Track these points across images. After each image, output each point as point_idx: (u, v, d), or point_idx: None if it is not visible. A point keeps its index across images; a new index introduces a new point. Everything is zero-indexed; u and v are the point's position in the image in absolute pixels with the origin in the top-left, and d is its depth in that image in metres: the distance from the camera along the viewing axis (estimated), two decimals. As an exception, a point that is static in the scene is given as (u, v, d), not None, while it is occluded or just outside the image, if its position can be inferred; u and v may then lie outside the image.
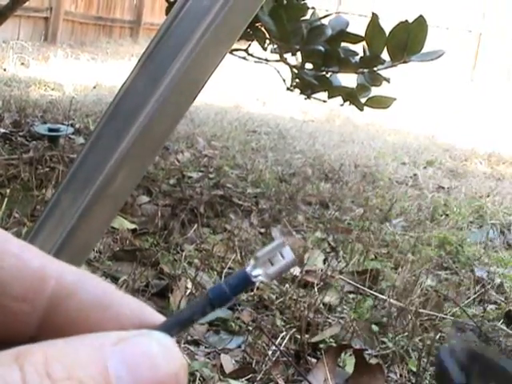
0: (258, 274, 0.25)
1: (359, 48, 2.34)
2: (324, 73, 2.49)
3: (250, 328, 1.59)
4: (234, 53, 2.61)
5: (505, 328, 1.82)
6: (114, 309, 0.25)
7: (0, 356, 0.21)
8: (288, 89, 2.67)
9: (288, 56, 2.54)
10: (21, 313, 0.25)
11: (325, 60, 2.38)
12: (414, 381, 1.51)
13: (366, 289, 1.94)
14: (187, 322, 0.25)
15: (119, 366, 0.22)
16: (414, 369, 1.53)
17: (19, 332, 0.25)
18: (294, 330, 1.60)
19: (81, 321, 0.25)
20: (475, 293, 2.05)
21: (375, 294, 1.91)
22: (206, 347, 1.50)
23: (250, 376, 1.40)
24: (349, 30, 2.37)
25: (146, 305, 0.26)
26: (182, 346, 1.46)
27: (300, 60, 2.50)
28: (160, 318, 0.26)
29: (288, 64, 2.56)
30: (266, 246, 0.25)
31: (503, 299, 2.07)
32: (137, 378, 0.22)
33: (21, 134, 3.10)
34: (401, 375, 1.52)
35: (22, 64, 6.14)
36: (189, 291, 1.70)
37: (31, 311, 0.25)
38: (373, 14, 2.18)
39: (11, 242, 0.26)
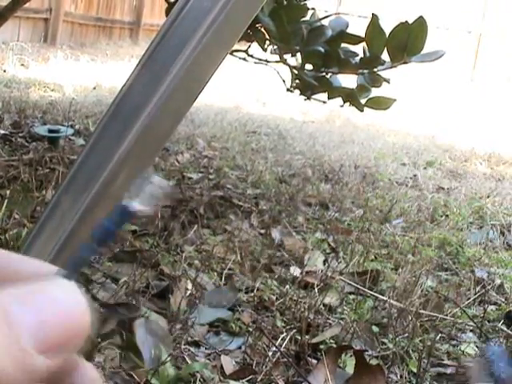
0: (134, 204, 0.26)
1: (359, 49, 2.34)
2: (324, 74, 2.49)
3: (251, 329, 1.59)
4: (234, 54, 2.61)
5: (505, 329, 1.82)
6: (11, 269, 0.25)
7: None
8: (288, 90, 2.67)
9: (288, 57, 2.54)
10: None
11: (325, 61, 2.38)
12: (414, 382, 1.50)
13: (366, 290, 1.94)
14: (81, 264, 0.25)
15: (22, 310, 0.22)
16: (415, 370, 1.53)
17: None
18: (294, 330, 1.60)
19: None
20: (475, 293, 2.05)
21: (375, 294, 1.91)
22: (206, 348, 1.50)
23: (250, 377, 1.39)
24: (349, 30, 2.37)
25: (43, 262, 0.26)
26: (183, 347, 1.46)
27: (300, 61, 2.50)
28: (55, 269, 0.26)
29: (288, 65, 2.56)
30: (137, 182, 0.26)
31: (503, 300, 2.07)
32: (41, 320, 0.22)
33: (21, 135, 3.10)
34: (401, 376, 1.52)
35: (22, 65, 6.14)
36: (189, 292, 1.70)
37: None
38: (373, 14, 2.18)
39: None
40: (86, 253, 0.26)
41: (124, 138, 0.76)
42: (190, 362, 1.40)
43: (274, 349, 1.50)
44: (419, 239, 2.55)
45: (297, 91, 2.65)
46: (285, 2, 2.36)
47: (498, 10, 11.88)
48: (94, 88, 5.40)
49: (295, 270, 2.00)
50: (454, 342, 1.73)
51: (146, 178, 0.26)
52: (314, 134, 5.04)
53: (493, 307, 2.01)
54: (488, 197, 3.56)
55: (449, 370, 1.57)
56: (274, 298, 1.79)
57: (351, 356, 1.52)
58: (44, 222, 0.77)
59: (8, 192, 2.09)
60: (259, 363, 1.45)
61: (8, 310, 0.21)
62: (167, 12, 2.41)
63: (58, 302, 0.22)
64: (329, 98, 2.57)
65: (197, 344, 1.52)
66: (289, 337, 1.56)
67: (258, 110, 5.94)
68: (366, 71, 2.36)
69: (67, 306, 0.23)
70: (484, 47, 12.08)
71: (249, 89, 6.98)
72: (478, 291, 2.07)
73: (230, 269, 1.93)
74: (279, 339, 1.55)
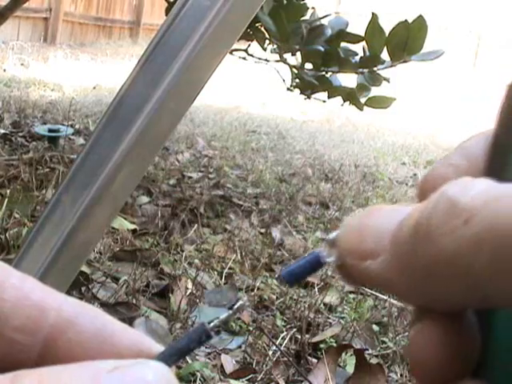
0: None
1: (359, 48, 2.33)
2: (324, 73, 2.49)
3: (251, 328, 1.59)
4: (234, 53, 2.61)
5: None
6: (113, 339, 0.26)
7: (2, 376, 0.22)
8: (288, 89, 2.67)
9: (288, 56, 2.54)
10: (21, 343, 0.25)
11: (324, 60, 2.38)
12: (414, 381, 1.50)
13: (366, 289, 1.94)
14: (184, 351, 0.26)
15: None
16: (415, 369, 1.53)
17: (20, 361, 0.25)
18: (294, 330, 1.60)
19: (80, 351, 0.25)
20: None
21: (375, 293, 1.91)
22: (206, 347, 1.50)
23: (250, 376, 1.40)
24: (348, 29, 2.37)
25: (145, 335, 0.27)
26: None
27: (300, 60, 2.50)
28: (159, 348, 0.26)
29: (288, 64, 2.56)
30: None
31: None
32: None
33: (21, 134, 3.10)
34: (401, 375, 1.52)
35: (22, 64, 6.14)
36: (189, 291, 1.70)
37: (32, 341, 0.25)
38: (372, 13, 2.18)
39: (12, 274, 0.26)
40: (193, 341, 0.26)
41: (124, 137, 0.76)
42: (190, 361, 1.40)
43: (274, 348, 1.50)
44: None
45: (297, 90, 2.65)
46: (284, 1, 2.36)
47: (498, 9, 11.88)
48: (94, 87, 5.40)
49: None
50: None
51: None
52: (313, 134, 5.04)
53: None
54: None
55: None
56: (274, 297, 1.79)
57: (351, 355, 1.52)
58: (44, 221, 0.77)
59: (8, 191, 2.09)
60: (259, 362, 1.45)
61: (99, 382, 0.22)
62: (167, 11, 2.41)
63: None
64: (329, 98, 2.57)
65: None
66: (289, 336, 1.56)
67: (257, 110, 5.94)
68: (365, 70, 2.36)
69: None
70: (484, 46, 12.08)
71: (249, 88, 6.98)
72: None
73: (230, 268, 1.93)
74: (279, 338, 1.55)
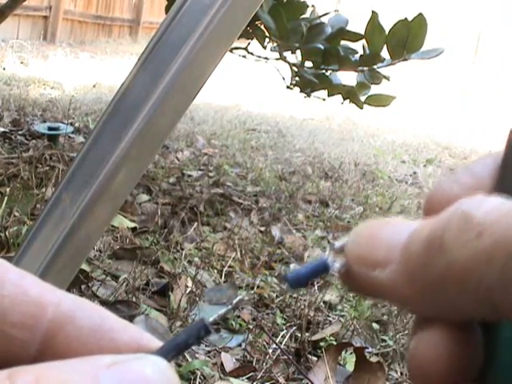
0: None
1: (359, 46, 2.33)
2: (324, 71, 2.49)
3: (251, 326, 1.59)
4: (234, 51, 2.61)
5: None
6: (112, 335, 0.26)
7: None
8: (288, 87, 2.67)
9: (288, 54, 2.54)
10: (20, 339, 0.25)
11: (324, 58, 2.37)
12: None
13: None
14: (183, 347, 0.26)
15: (110, 382, 0.22)
16: (415, 367, 1.53)
17: (19, 357, 0.25)
18: (294, 328, 1.60)
19: (79, 346, 0.25)
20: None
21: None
22: (206, 346, 1.50)
23: (250, 374, 1.40)
24: (348, 28, 2.37)
25: (143, 331, 0.27)
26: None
27: (300, 58, 2.50)
28: (158, 344, 0.26)
29: (288, 62, 2.56)
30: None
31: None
32: None
33: (20, 132, 3.10)
34: (401, 373, 1.52)
35: (22, 63, 6.14)
36: (189, 289, 1.70)
37: (30, 337, 0.25)
38: (372, 11, 2.18)
39: (10, 271, 0.26)
40: (192, 336, 0.26)
41: (124, 135, 0.76)
42: (190, 359, 1.40)
43: (274, 346, 1.50)
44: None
45: (296, 88, 2.65)
46: (284, 0, 2.36)
47: (498, 7, 11.87)
48: (94, 86, 5.40)
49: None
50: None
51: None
52: (313, 132, 5.04)
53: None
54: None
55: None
56: (274, 295, 1.79)
57: (351, 353, 1.52)
58: (44, 219, 0.77)
59: (8, 189, 2.09)
60: (259, 360, 1.45)
61: (99, 377, 0.22)
62: (167, 10, 2.41)
63: (147, 380, 0.23)
64: (328, 96, 2.57)
65: (197, 341, 1.52)
66: (289, 334, 1.56)
67: (257, 108, 5.93)
68: (365, 68, 2.36)
69: None
70: (484, 44, 12.07)
71: (248, 86, 6.98)
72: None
73: (230, 266, 1.93)
74: (279, 336, 1.55)
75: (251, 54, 2.67)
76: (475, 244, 0.22)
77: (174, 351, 0.25)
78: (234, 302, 0.27)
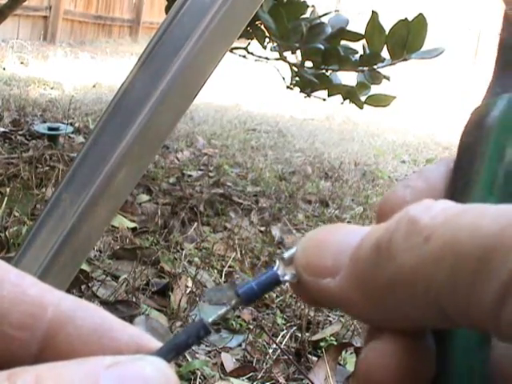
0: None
1: (359, 46, 2.33)
2: (324, 71, 2.49)
3: (251, 326, 1.59)
4: (234, 51, 2.61)
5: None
6: (112, 335, 0.26)
7: None
8: (288, 87, 2.67)
9: (288, 54, 2.54)
10: (20, 339, 0.25)
11: (324, 58, 2.37)
12: None
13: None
14: (183, 347, 0.26)
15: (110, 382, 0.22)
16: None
17: (19, 357, 0.25)
18: (294, 328, 1.60)
19: (80, 345, 0.25)
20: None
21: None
22: (206, 346, 1.50)
23: (250, 374, 1.40)
24: (348, 28, 2.37)
25: (143, 332, 0.27)
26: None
27: (300, 58, 2.50)
28: (157, 344, 0.26)
29: (288, 62, 2.56)
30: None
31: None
32: None
33: (20, 132, 3.10)
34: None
35: (22, 63, 6.14)
36: (189, 289, 1.70)
37: (30, 338, 0.25)
38: (372, 11, 2.18)
39: (9, 271, 0.26)
40: (191, 336, 0.26)
41: (123, 135, 0.76)
42: (190, 359, 1.40)
43: (275, 346, 1.50)
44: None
45: (296, 89, 2.65)
46: (284, 0, 2.36)
47: (498, 7, 11.86)
48: (94, 86, 5.40)
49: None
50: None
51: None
52: (313, 132, 5.04)
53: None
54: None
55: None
56: (275, 295, 1.79)
57: (352, 353, 1.52)
58: (44, 219, 0.77)
59: (8, 190, 2.09)
60: (259, 360, 1.45)
61: (99, 377, 0.22)
62: (167, 10, 2.41)
63: (147, 380, 0.23)
64: (328, 96, 2.57)
65: (197, 341, 1.52)
66: (289, 334, 1.56)
67: (257, 108, 5.93)
68: (365, 68, 2.36)
69: None
70: (484, 44, 12.07)
71: (248, 86, 6.98)
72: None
73: (230, 266, 1.93)
74: (279, 336, 1.55)
75: (251, 53, 2.67)
76: (423, 247, 0.21)
77: (173, 352, 0.25)
78: (233, 302, 0.27)
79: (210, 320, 0.26)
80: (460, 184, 0.26)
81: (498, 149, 0.26)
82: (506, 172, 0.25)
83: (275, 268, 0.26)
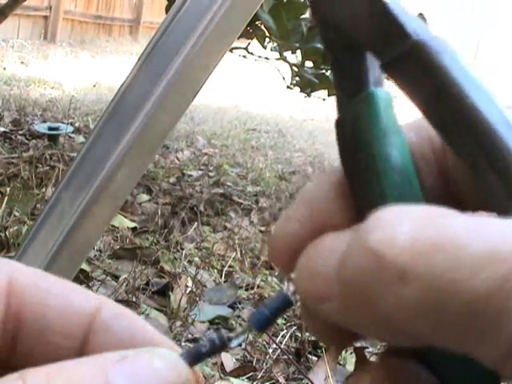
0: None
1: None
2: (324, 71, 2.49)
3: (251, 326, 1.59)
4: (234, 51, 2.61)
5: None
6: (145, 344, 0.27)
7: (11, 374, 0.23)
8: (288, 87, 2.67)
9: (288, 54, 2.54)
10: (63, 347, 0.27)
11: (324, 58, 2.38)
12: (414, 379, 1.50)
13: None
14: (204, 355, 0.26)
15: (122, 380, 0.23)
16: (415, 367, 1.53)
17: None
18: (294, 328, 1.60)
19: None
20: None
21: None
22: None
23: (250, 374, 1.40)
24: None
25: (168, 339, 0.28)
26: (183, 344, 1.46)
27: (300, 58, 2.50)
28: (173, 346, 0.27)
29: (288, 62, 2.56)
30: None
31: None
32: None
33: (21, 132, 3.10)
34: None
35: (22, 63, 6.14)
36: (189, 289, 1.70)
37: (71, 345, 0.27)
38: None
39: (54, 282, 0.28)
40: (210, 346, 0.27)
41: (124, 135, 0.76)
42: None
43: (275, 346, 1.50)
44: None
45: (297, 89, 2.65)
46: (284, 0, 2.36)
47: (498, 8, 11.87)
48: (94, 85, 5.40)
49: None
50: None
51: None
52: (313, 132, 5.04)
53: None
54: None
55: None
56: (275, 295, 1.79)
57: (351, 353, 1.52)
58: (44, 219, 0.77)
59: (8, 189, 2.09)
60: (259, 360, 1.45)
61: (109, 373, 0.23)
62: (167, 10, 2.41)
63: (157, 372, 0.24)
64: (329, 96, 2.57)
65: (197, 341, 1.52)
66: (289, 334, 1.56)
67: (257, 108, 5.93)
68: (365, 68, 2.36)
69: (166, 378, 0.24)
70: (484, 44, 12.08)
71: (248, 86, 6.98)
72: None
73: (230, 266, 1.93)
74: (279, 336, 1.55)
75: (251, 53, 2.67)
76: (401, 293, 0.20)
77: (193, 357, 0.26)
78: (247, 329, 0.25)
79: (235, 344, 0.27)
80: (360, 193, 0.25)
81: (381, 149, 0.25)
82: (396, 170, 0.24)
83: (284, 290, 0.26)
